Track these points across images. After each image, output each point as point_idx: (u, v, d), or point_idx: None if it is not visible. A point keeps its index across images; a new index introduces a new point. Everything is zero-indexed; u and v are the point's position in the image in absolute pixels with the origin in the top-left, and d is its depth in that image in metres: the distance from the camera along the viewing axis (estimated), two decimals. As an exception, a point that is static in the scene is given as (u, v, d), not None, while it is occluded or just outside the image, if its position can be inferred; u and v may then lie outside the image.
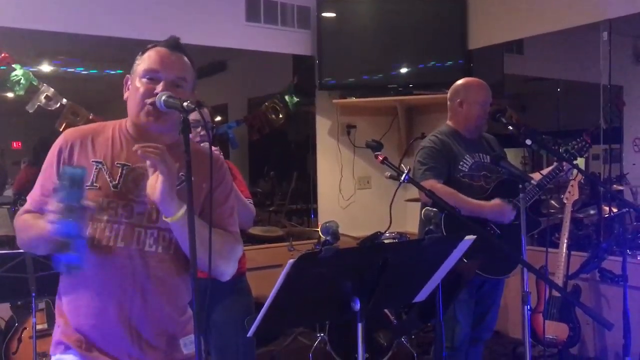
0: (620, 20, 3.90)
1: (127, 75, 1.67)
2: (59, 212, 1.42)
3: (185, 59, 1.65)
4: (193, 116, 1.59)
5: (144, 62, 1.61)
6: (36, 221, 1.56)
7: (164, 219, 1.52)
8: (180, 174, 1.54)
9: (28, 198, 1.67)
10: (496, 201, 2.78)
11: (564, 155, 2.85)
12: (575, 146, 2.90)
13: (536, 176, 2.92)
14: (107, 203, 1.56)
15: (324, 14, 4.74)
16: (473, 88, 2.96)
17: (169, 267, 1.59)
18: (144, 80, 1.59)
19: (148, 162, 1.49)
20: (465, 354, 2.95)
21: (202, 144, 2.27)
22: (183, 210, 1.47)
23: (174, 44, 1.64)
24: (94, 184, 1.57)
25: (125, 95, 1.66)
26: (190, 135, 1.48)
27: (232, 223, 1.70)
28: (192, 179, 1.38)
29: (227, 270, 1.63)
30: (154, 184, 1.48)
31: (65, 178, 1.43)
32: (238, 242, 1.69)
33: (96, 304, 1.55)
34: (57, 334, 1.63)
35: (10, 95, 3.73)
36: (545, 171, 2.97)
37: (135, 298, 1.56)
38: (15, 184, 4.01)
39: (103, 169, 1.59)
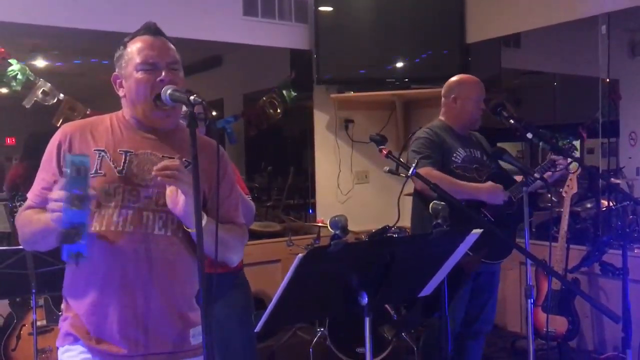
0: (617, 13, 3.90)
1: (115, 74, 1.65)
2: (64, 200, 1.40)
3: (168, 42, 1.64)
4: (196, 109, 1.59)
5: (134, 55, 1.59)
6: (39, 215, 1.54)
7: (186, 229, 1.54)
8: (184, 159, 1.58)
9: (28, 194, 1.65)
10: (489, 182, 2.84)
11: (564, 148, 2.87)
12: (564, 146, 3.03)
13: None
14: (114, 189, 1.56)
15: (321, 8, 4.71)
16: (467, 84, 3.01)
17: (178, 250, 1.59)
18: (142, 72, 1.57)
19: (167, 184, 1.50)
20: (458, 347, 2.97)
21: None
22: (205, 220, 1.48)
23: (154, 30, 1.63)
24: (99, 171, 1.56)
25: (122, 92, 1.65)
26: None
27: (238, 215, 1.73)
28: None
29: (236, 260, 1.70)
30: (175, 199, 1.50)
31: (70, 166, 1.41)
32: (245, 234, 1.74)
33: (106, 292, 1.54)
34: (65, 325, 1.61)
35: (3, 90, 3.68)
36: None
37: (148, 283, 1.54)
38: (7, 180, 3.97)
39: (106, 156, 1.58)
